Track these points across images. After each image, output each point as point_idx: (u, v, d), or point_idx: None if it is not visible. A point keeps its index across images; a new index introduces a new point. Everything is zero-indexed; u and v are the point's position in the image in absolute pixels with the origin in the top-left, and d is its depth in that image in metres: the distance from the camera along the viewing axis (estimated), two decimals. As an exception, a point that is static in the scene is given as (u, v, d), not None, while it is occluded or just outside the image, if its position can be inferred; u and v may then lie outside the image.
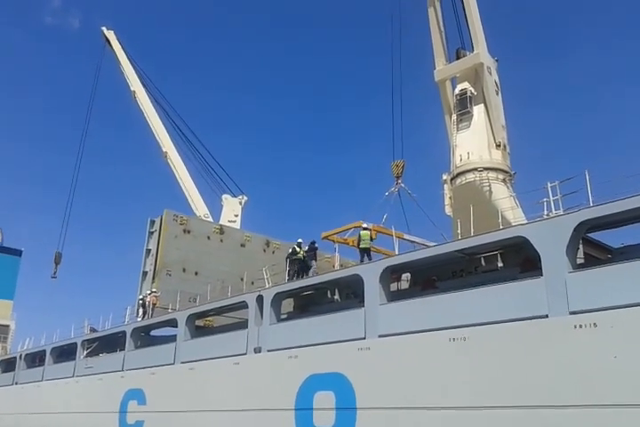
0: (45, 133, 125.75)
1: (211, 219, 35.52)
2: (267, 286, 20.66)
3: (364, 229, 19.63)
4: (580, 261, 13.96)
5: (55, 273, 41.10)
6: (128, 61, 41.21)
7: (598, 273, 12.07)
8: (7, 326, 48.32)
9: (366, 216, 22.07)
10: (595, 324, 11.50)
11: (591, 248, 15.23)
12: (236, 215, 36.42)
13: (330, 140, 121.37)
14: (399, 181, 24.99)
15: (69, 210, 43.38)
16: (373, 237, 21.13)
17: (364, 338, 15.99)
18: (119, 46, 42.00)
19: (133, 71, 40.77)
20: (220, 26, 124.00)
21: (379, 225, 22.22)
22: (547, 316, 12.35)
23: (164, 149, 37.69)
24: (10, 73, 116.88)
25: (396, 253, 17.41)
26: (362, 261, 18.23)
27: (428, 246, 23.24)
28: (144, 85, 40.21)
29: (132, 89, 39.95)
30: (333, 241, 21.92)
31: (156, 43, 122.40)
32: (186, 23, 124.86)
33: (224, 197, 36.88)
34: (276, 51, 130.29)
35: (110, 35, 42.37)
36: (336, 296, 21.37)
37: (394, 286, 18.68)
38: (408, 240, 23.05)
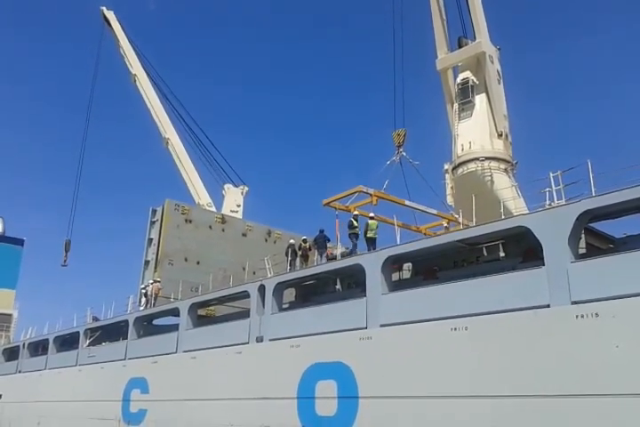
0: (44, 124, 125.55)
1: (213, 208, 35.49)
2: (268, 275, 20.70)
3: (371, 218, 19.63)
4: (582, 251, 13.97)
5: (65, 261, 40.88)
6: (129, 44, 40.22)
7: (600, 263, 12.06)
8: (10, 315, 48.52)
9: (367, 184, 21.86)
10: (596, 314, 11.51)
11: (593, 238, 15.23)
12: (239, 205, 36.38)
13: (331, 128, 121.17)
14: (400, 150, 25.03)
15: (76, 197, 43.25)
16: (374, 203, 21.24)
17: (366, 328, 16.03)
18: (119, 27, 40.89)
19: (134, 54, 39.87)
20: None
21: (380, 191, 22.14)
22: (548, 306, 12.35)
23: (166, 136, 37.19)
24: (8, 61, 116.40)
25: (398, 242, 17.40)
26: (368, 250, 18.23)
27: (429, 213, 23.35)
28: (145, 70, 39.43)
29: (132, 73, 39.02)
30: (335, 208, 21.74)
31: (153, 32, 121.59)
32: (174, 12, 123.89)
33: (226, 186, 36.78)
34: (274, 39, 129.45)
35: (110, 15, 41.21)
36: (338, 286, 21.45)
37: (395, 276, 18.75)
38: (409, 206, 22.99)
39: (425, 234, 23.86)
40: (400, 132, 25.59)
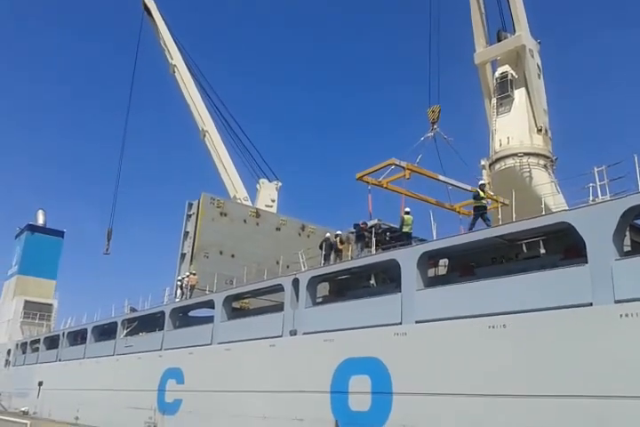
0: (75, 121, 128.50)
1: (249, 202, 35.71)
2: (302, 269, 20.73)
3: (407, 213, 19.41)
4: (626, 248, 13.54)
5: (108, 249, 41.62)
6: (169, 33, 40.15)
7: (646, 261, 11.67)
8: (51, 304, 49.95)
9: (401, 158, 21.45)
10: (642, 313, 11.17)
11: (639, 235, 14.76)
12: (273, 200, 36.50)
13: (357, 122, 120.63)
14: (435, 127, 24.81)
15: (117, 187, 44.08)
16: (407, 176, 20.92)
17: (401, 323, 15.92)
18: (159, 16, 40.69)
19: (174, 44, 39.79)
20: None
21: (413, 164, 21.89)
22: (591, 304, 12.04)
23: (205, 128, 37.28)
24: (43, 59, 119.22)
25: (434, 237, 17.19)
26: (404, 245, 18.06)
27: (464, 189, 22.85)
28: (184, 61, 39.33)
29: (172, 63, 38.97)
30: (367, 182, 21.53)
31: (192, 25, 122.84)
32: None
33: (261, 181, 36.93)
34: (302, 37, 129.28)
35: (151, 3, 40.93)
36: (372, 281, 21.32)
37: (431, 272, 18.54)
38: (442, 181, 22.61)
39: (459, 213, 23.55)
40: (435, 109, 25.39)
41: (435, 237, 17.07)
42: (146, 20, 41.57)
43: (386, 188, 21.86)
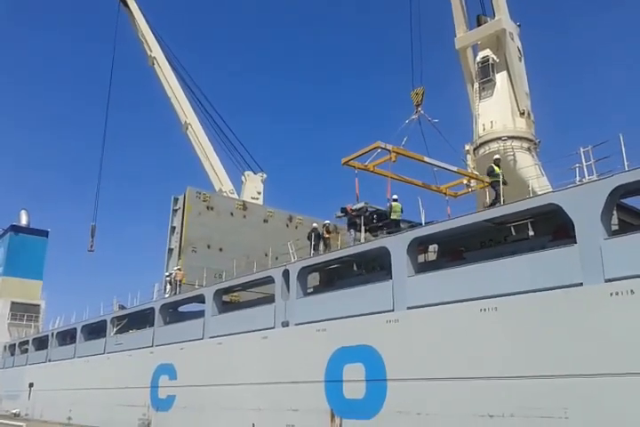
0: (60, 118, 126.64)
1: (236, 195, 35.43)
2: (292, 260, 20.63)
3: (394, 200, 19.38)
4: (614, 227, 13.61)
5: (92, 246, 41.10)
6: (146, 24, 39.37)
7: (634, 239, 11.70)
8: (38, 305, 49.51)
9: (386, 142, 21.36)
10: (632, 291, 11.23)
11: (625, 214, 14.84)
12: (259, 193, 36.20)
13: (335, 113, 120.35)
14: (419, 109, 24.77)
15: (99, 183, 43.52)
16: (394, 159, 20.91)
17: (393, 310, 15.93)
18: (136, 7, 39.77)
19: (152, 35, 39.10)
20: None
21: (398, 147, 21.89)
22: (581, 284, 12.09)
23: (187, 121, 36.77)
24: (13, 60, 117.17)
25: (423, 224, 17.17)
26: (393, 232, 18.00)
27: (450, 170, 22.93)
28: (163, 52, 38.64)
29: (151, 55, 38.29)
30: (354, 167, 21.48)
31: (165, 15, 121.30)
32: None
33: (246, 173, 36.58)
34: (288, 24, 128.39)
35: None
36: (362, 269, 21.29)
37: (421, 258, 18.54)
38: (429, 163, 22.57)
39: (445, 194, 23.62)
40: (418, 91, 25.30)
41: (423, 223, 17.05)
42: (122, 11, 40.59)
43: (372, 171, 21.79)
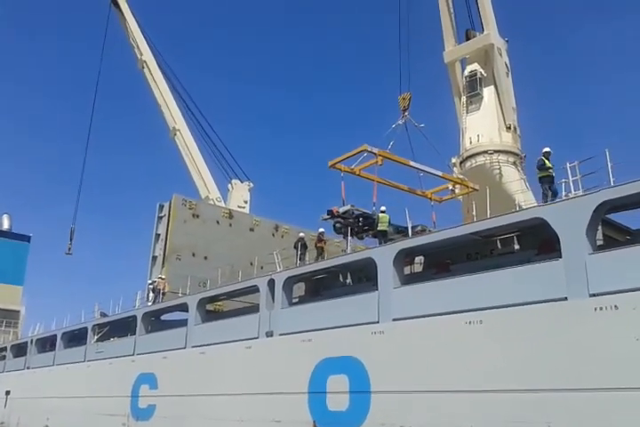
0: (46, 121, 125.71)
1: (222, 203, 35.27)
2: (278, 269, 20.53)
3: (382, 211, 19.44)
4: (599, 242, 13.74)
5: (70, 249, 40.66)
6: (137, 27, 39.18)
7: (619, 255, 11.83)
8: (17, 311, 48.67)
9: (373, 146, 21.54)
10: (616, 306, 11.29)
11: (610, 230, 14.99)
12: (246, 202, 36.17)
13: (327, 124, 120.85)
14: (406, 114, 25.03)
15: (81, 183, 43.13)
16: (380, 163, 21.06)
17: (378, 322, 15.85)
18: (128, 9, 39.45)
19: (143, 38, 38.88)
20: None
21: (385, 150, 22.00)
22: (566, 298, 12.14)
23: (176, 126, 36.57)
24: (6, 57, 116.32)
25: (410, 236, 17.22)
26: (380, 243, 18.01)
27: (435, 175, 23.17)
28: (153, 57, 38.51)
29: (141, 58, 38.07)
30: (340, 170, 21.54)
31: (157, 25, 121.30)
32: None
33: (233, 182, 36.51)
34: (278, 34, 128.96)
35: None
36: (348, 280, 21.26)
37: (407, 270, 18.56)
38: (414, 167, 22.80)
39: (431, 199, 23.82)
40: (405, 96, 25.64)
41: (410, 234, 17.11)
42: (113, 12, 40.31)
43: (359, 175, 21.94)
